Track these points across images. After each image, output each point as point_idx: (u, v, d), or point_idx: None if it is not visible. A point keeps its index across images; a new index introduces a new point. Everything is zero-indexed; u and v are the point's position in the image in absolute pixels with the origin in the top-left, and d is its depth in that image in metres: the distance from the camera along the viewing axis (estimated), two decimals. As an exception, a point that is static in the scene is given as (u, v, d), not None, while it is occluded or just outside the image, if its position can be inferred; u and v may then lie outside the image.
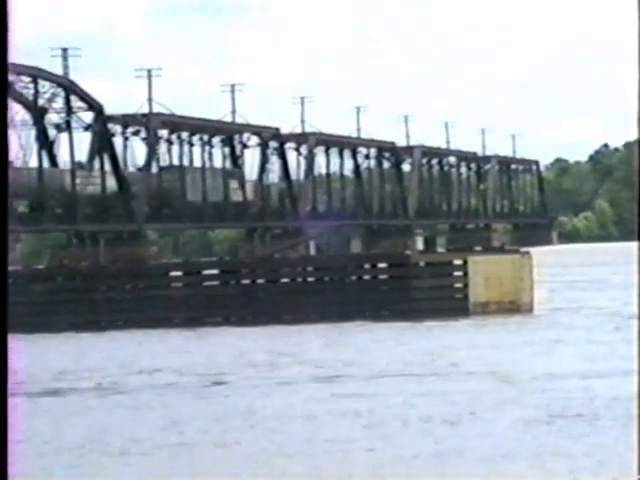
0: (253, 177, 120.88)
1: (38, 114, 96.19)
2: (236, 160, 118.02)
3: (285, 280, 58.73)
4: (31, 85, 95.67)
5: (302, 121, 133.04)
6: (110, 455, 24.06)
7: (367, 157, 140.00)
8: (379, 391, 31.42)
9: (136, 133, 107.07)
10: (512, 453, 22.45)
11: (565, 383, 30.51)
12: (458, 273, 56.31)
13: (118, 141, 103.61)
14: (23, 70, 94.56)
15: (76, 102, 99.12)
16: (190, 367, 38.88)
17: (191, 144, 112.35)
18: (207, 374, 36.93)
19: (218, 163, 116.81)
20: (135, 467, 23.76)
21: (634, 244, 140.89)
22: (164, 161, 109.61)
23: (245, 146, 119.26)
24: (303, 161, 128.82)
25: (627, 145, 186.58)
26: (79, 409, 31.17)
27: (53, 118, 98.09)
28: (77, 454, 24.48)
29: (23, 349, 45.52)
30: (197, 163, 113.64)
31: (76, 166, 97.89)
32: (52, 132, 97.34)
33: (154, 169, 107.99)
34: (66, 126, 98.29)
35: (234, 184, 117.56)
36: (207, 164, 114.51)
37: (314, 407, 29.37)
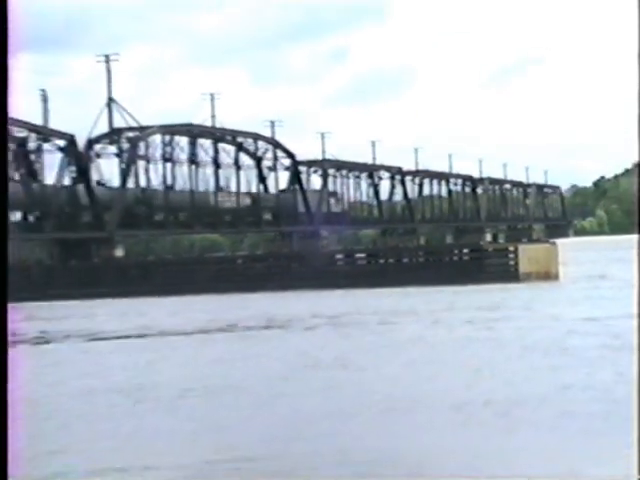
0: (384, 197, 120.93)
1: (257, 161, 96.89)
2: (375, 188, 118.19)
3: (405, 260, 59.54)
4: (253, 143, 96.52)
5: (416, 162, 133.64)
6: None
7: (455, 185, 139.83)
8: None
9: (315, 172, 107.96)
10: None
11: (614, 321, 29.09)
12: (512, 255, 56.60)
13: (304, 177, 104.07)
14: (248, 135, 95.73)
15: (280, 153, 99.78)
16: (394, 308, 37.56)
17: (348, 178, 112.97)
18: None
19: (364, 190, 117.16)
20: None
21: (620, 237, 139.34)
22: (332, 189, 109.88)
23: (380, 179, 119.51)
24: (416, 188, 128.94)
25: (616, 177, 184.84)
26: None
27: (266, 164, 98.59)
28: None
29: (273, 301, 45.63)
30: (351, 191, 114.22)
31: (280, 192, 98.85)
32: (265, 172, 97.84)
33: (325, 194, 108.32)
34: (273, 168, 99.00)
35: (374, 203, 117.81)
36: (357, 191, 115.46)
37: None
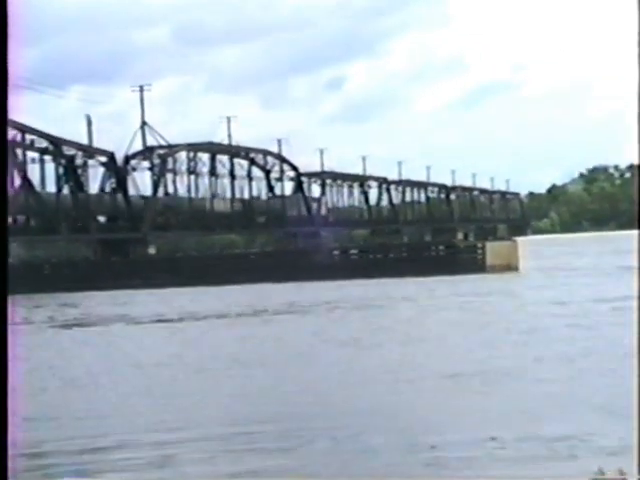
0: (373, 203, 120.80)
1: (266, 173, 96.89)
2: (365, 195, 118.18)
3: (391, 255, 58.93)
4: (263, 158, 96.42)
5: (400, 173, 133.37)
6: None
7: (432, 192, 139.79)
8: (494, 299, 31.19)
9: (315, 182, 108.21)
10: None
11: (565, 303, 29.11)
12: (480, 251, 56.32)
13: (305, 186, 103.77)
14: (259, 151, 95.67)
15: (285, 167, 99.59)
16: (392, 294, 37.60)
17: (342, 187, 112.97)
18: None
19: (356, 197, 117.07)
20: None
21: (569, 235, 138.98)
22: (328, 196, 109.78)
23: (369, 187, 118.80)
24: (400, 195, 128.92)
25: (565, 185, 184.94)
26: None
27: (274, 175, 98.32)
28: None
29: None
30: (345, 197, 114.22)
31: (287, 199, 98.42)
32: (274, 182, 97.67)
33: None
34: (280, 179, 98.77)
35: (364, 207, 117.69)
36: (350, 198, 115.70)
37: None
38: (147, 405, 14.39)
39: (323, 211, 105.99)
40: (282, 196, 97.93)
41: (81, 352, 22.92)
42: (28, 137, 70.59)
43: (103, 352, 22.71)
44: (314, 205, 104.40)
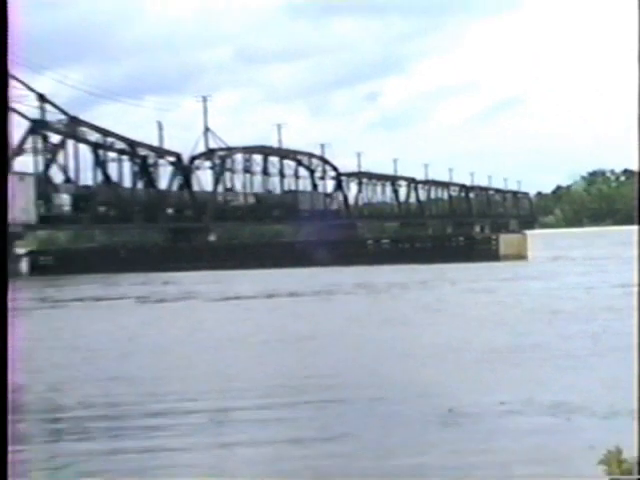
0: (402, 200, 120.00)
1: (311, 173, 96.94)
2: (396, 193, 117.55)
3: (418, 245, 58.31)
4: (308, 160, 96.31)
5: (426, 174, 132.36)
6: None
7: (454, 191, 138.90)
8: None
9: (353, 181, 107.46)
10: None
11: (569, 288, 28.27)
12: (494, 242, 55.67)
13: (344, 185, 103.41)
14: (305, 154, 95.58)
15: (327, 168, 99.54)
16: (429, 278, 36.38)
17: (376, 185, 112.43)
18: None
19: (388, 194, 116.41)
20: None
21: (572, 229, 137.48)
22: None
23: (400, 186, 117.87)
24: (426, 193, 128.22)
25: (568, 186, 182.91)
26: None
27: (317, 175, 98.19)
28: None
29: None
30: (379, 195, 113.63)
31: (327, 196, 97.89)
32: (317, 181, 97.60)
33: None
34: (322, 178, 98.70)
35: (395, 203, 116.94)
36: (382, 195, 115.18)
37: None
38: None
39: (334, 206, 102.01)
40: (295, 191, 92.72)
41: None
42: (108, 140, 70.95)
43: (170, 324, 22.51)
44: (327, 200, 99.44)
